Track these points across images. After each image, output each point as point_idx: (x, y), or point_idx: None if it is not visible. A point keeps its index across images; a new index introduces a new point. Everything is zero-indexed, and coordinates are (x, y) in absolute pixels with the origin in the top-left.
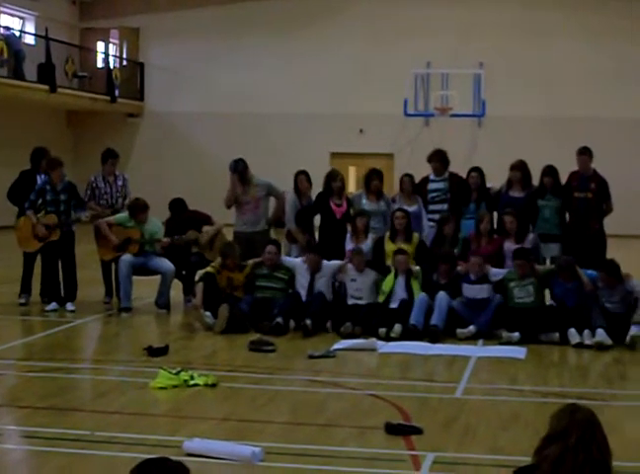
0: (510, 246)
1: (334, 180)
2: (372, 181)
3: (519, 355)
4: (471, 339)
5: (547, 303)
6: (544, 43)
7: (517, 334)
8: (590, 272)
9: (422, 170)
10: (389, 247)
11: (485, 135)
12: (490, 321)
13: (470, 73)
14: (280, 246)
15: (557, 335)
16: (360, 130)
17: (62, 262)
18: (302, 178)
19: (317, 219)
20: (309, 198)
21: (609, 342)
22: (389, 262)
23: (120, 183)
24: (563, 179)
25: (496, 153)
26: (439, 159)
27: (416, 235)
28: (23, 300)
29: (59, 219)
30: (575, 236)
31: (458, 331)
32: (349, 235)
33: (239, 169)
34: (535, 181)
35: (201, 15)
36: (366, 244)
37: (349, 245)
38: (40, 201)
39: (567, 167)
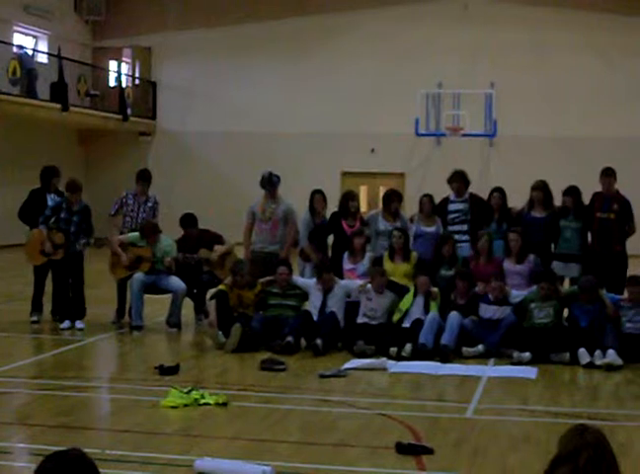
0: (509, 266)
1: (352, 200)
2: (392, 202)
3: (530, 375)
4: (479, 358)
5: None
6: (555, 63)
7: (527, 354)
8: (611, 295)
9: (433, 189)
10: (388, 266)
11: (496, 155)
12: (499, 341)
13: (481, 93)
14: (290, 266)
15: (567, 355)
16: (372, 150)
17: (71, 280)
18: (319, 197)
19: (330, 238)
20: (323, 218)
21: (620, 362)
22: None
23: (149, 204)
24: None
25: (508, 173)
26: (460, 180)
27: (414, 254)
28: (35, 318)
29: (67, 239)
30: (597, 257)
31: (464, 349)
32: (346, 254)
33: (274, 181)
34: (554, 201)
35: (213, 34)
36: (363, 264)
37: (346, 264)
38: (53, 219)
39: (580, 186)
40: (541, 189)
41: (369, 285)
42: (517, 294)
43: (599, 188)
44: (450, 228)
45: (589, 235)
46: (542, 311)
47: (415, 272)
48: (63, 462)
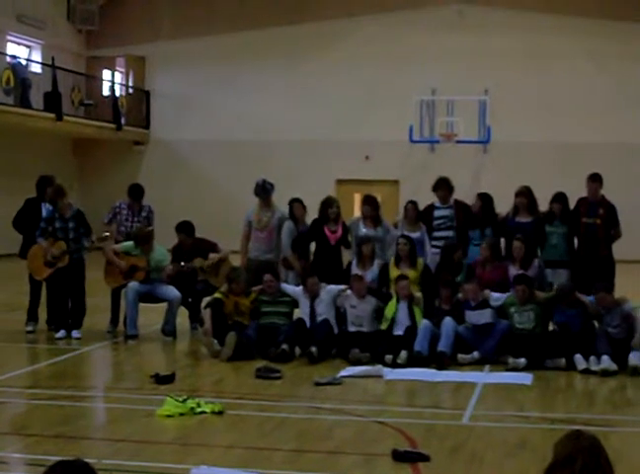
0: (514, 272)
1: (330, 206)
2: (363, 206)
3: (525, 382)
4: (475, 365)
5: (550, 329)
6: (550, 69)
7: (523, 360)
8: (591, 298)
9: (428, 196)
10: (394, 273)
11: (490, 161)
12: (495, 347)
13: (475, 99)
14: (276, 273)
15: (563, 361)
16: (366, 157)
17: (72, 289)
18: (297, 205)
19: (313, 245)
20: (305, 225)
21: (614, 368)
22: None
23: (143, 214)
24: (571, 205)
25: (501, 179)
26: (445, 187)
27: (420, 261)
28: (30, 328)
29: (68, 246)
30: (584, 262)
31: (460, 356)
32: (354, 261)
33: (267, 189)
34: (543, 206)
35: (207, 43)
36: (372, 270)
37: (355, 271)
38: (49, 229)
39: (573, 193)
40: (525, 194)
41: (349, 291)
42: (497, 297)
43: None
44: (436, 234)
45: (575, 240)
46: (522, 316)
47: (396, 277)
48: (69, 471)
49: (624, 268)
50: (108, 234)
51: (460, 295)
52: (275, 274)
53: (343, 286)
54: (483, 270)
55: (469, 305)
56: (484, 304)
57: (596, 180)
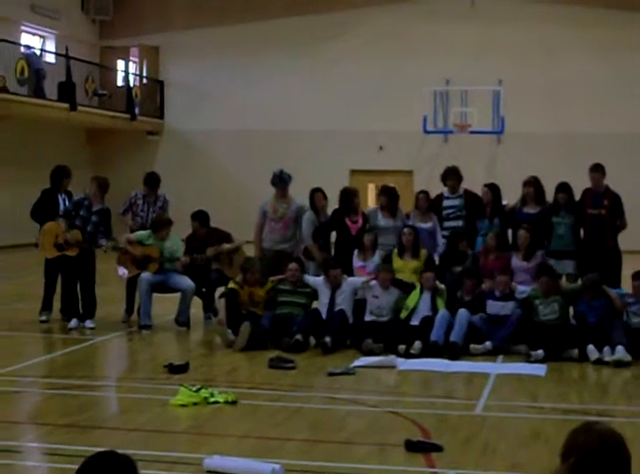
0: (517, 262)
1: (355, 196)
2: (380, 197)
3: (539, 372)
4: (487, 355)
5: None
6: (563, 59)
7: (541, 351)
8: (616, 290)
9: (442, 187)
10: (397, 263)
11: (504, 152)
12: (507, 337)
13: (489, 90)
14: (302, 263)
15: (576, 351)
16: (380, 147)
17: (81, 279)
18: (319, 195)
19: (333, 235)
20: (326, 215)
21: (628, 358)
22: (398, 277)
23: (159, 204)
24: (578, 195)
25: (515, 170)
26: (455, 177)
27: (423, 251)
28: (44, 317)
29: (83, 237)
30: (589, 253)
31: (472, 346)
32: (356, 251)
33: (285, 179)
34: (550, 197)
35: (221, 33)
36: (374, 260)
37: (356, 262)
38: (73, 214)
39: (587, 183)
40: (532, 184)
41: (373, 282)
42: (523, 290)
43: (612, 183)
44: (446, 224)
45: (581, 231)
46: (547, 307)
47: (423, 268)
48: (109, 462)
49: (632, 258)
50: (122, 247)
51: (485, 286)
52: (300, 263)
53: (365, 278)
54: (486, 259)
55: (493, 295)
56: (509, 296)
57: (597, 170)
